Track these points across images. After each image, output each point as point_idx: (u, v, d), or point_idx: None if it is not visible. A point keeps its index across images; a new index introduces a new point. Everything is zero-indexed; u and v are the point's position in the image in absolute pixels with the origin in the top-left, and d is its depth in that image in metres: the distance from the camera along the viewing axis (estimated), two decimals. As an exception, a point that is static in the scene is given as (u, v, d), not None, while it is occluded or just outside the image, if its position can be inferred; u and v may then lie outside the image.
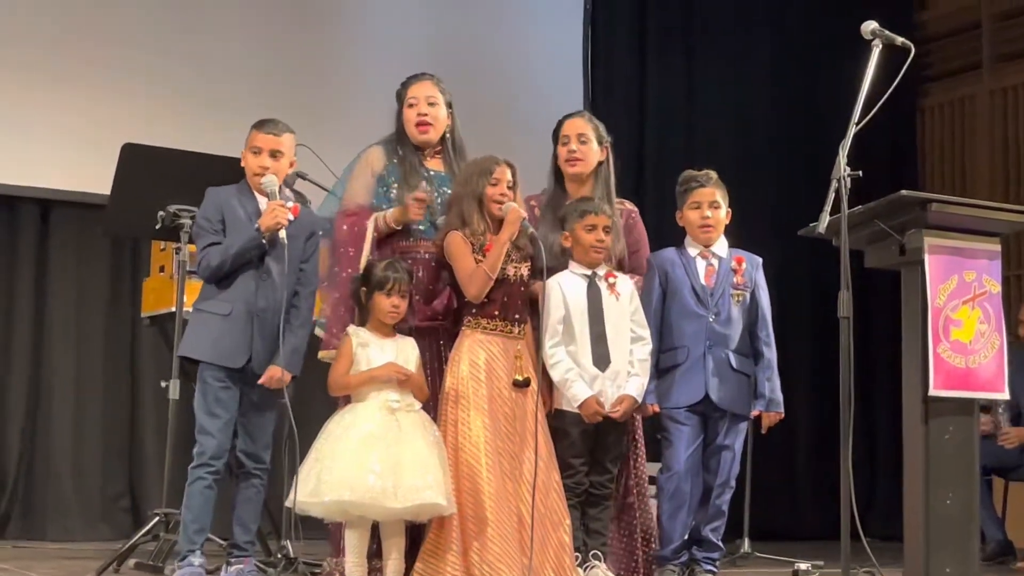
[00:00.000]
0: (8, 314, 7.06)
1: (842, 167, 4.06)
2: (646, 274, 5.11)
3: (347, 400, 4.68)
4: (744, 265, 5.10)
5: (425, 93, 4.95)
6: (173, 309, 5.42)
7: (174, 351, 5.21)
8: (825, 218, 4.05)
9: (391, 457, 4.45)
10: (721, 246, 5.12)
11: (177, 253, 5.43)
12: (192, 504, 4.49)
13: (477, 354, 4.72)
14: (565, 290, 4.85)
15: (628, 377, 4.85)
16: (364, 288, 4.66)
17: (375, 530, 4.62)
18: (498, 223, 4.77)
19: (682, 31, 8.95)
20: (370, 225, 4.83)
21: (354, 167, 4.99)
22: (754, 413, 5.07)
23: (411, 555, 4.61)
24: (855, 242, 4.25)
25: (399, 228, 4.83)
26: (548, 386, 4.83)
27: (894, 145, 9.23)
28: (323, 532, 4.88)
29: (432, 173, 4.96)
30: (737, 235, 5.20)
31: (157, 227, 5.35)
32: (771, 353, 5.09)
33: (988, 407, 6.53)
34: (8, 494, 6.92)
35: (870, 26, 4.30)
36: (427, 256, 4.86)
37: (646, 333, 4.94)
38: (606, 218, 4.90)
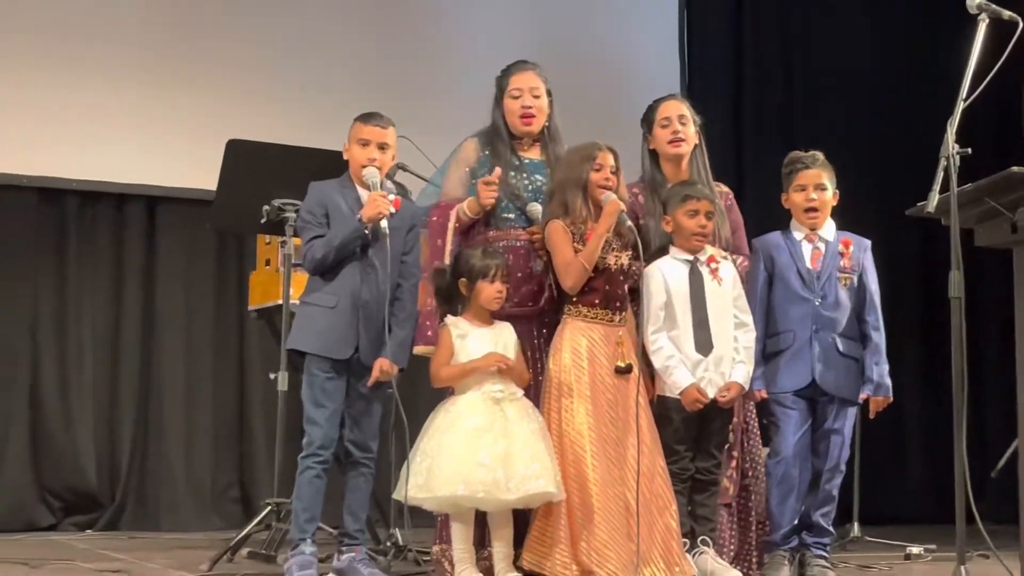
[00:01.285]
0: (118, 309, 7.22)
1: (950, 144, 3.99)
2: (751, 258, 5.07)
3: (451, 390, 4.72)
4: (851, 248, 5.03)
5: (529, 84, 4.95)
6: (279, 302, 5.49)
7: (282, 343, 5.28)
8: (934, 197, 3.98)
9: (500, 448, 4.48)
10: (828, 229, 5.05)
11: (282, 247, 5.51)
12: (302, 494, 4.55)
13: (579, 342, 4.72)
14: (666, 276, 4.82)
15: (733, 364, 4.83)
16: (463, 279, 4.68)
17: (481, 518, 4.66)
18: (601, 210, 4.76)
19: (777, 7, 8.87)
20: (452, 216, 4.87)
21: (450, 161, 5.03)
22: (862, 397, 5.01)
23: (515, 542, 4.64)
24: (965, 221, 4.17)
25: (478, 217, 4.85)
26: (650, 372, 4.82)
27: (1001, 121, 9.04)
28: (430, 520, 4.92)
29: (526, 161, 4.97)
30: (844, 217, 5.13)
31: (262, 221, 5.42)
32: (879, 337, 5.02)
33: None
34: (122, 486, 7.08)
35: (976, 0, 4.22)
36: (517, 244, 4.87)
37: (749, 319, 4.89)
38: (708, 203, 4.86)
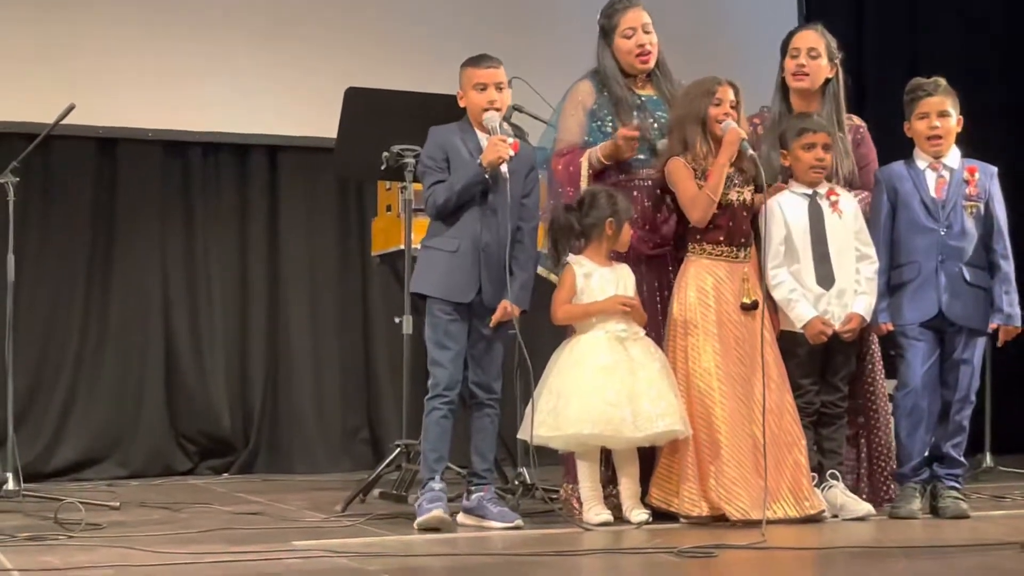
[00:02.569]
0: (244, 258, 7.37)
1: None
2: (874, 189, 5.01)
3: (572, 329, 4.76)
4: (977, 175, 4.94)
5: (641, 21, 4.95)
6: (402, 247, 5.56)
7: (405, 288, 5.35)
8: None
9: (626, 387, 4.54)
10: (952, 157, 4.96)
11: (403, 192, 5.57)
12: (430, 435, 4.63)
13: (704, 280, 4.73)
14: (785, 210, 4.81)
15: (855, 296, 4.80)
16: (610, 218, 4.69)
17: (607, 456, 4.71)
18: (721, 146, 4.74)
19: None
20: (584, 164, 4.88)
21: (565, 104, 5.04)
22: (991, 327, 4.93)
23: (642, 480, 4.69)
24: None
25: (610, 163, 4.86)
26: (774, 308, 4.81)
27: None
28: (556, 459, 4.98)
29: (644, 99, 4.98)
30: (970, 144, 5.03)
31: (382, 168, 5.48)
32: (1008, 266, 4.93)
33: None
34: (255, 430, 7.26)
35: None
36: (649, 183, 4.90)
37: (872, 251, 4.86)
38: (825, 136, 4.81)
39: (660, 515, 4.64)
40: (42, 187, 6.89)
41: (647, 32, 4.95)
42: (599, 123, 4.94)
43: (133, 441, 7.01)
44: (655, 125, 4.92)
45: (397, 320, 5.48)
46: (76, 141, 6.87)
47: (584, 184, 4.85)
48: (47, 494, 5.37)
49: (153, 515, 5.15)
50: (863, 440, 5.00)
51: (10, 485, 5.03)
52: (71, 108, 5.48)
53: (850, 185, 4.99)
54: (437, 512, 4.48)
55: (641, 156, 4.90)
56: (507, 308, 4.59)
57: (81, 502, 4.99)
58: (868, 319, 4.81)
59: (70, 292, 7.01)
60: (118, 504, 5.33)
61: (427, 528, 4.47)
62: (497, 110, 4.64)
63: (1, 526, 4.57)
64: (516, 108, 5.54)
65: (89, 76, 6.80)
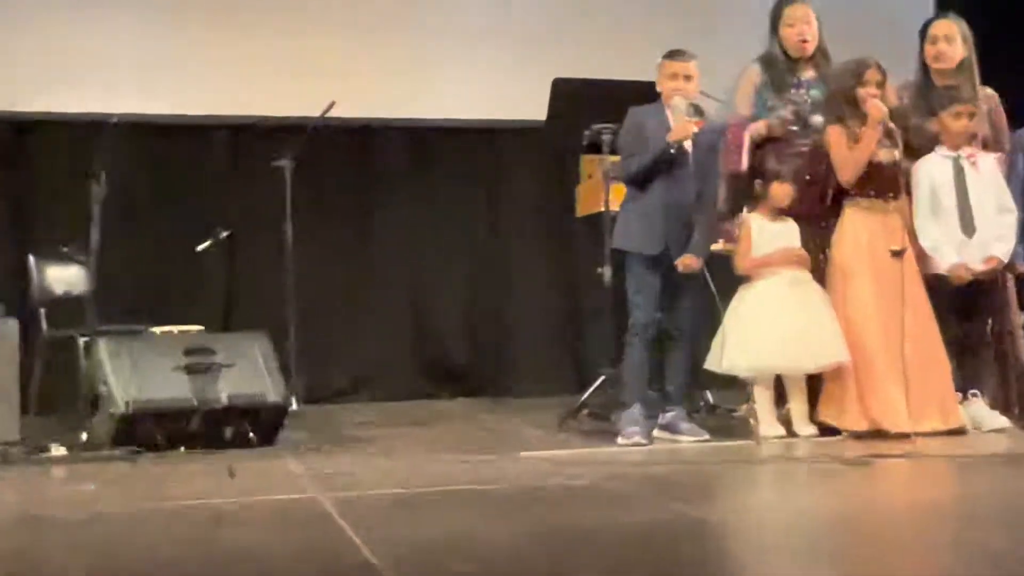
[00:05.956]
0: (472, 221, 7.47)
1: None
2: (1010, 151, 4.86)
3: (750, 276, 4.74)
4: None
5: (801, 14, 4.97)
6: (602, 209, 5.57)
7: (605, 243, 5.37)
8: None
9: (797, 323, 4.57)
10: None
11: (601, 163, 5.57)
12: (630, 365, 4.68)
13: (858, 230, 4.68)
14: (932, 170, 4.73)
15: (994, 242, 4.67)
16: (758, 180, 4.71)
17: (778, 380, 4.68)
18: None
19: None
20: (747, 136, 4.89)
21: (738, 84, 5.06)
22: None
23: (809, 401, 4.66)
24: None
25: (766, 137, 4.87)
26: (921, 254, 4.70)
27: None
28: (731, 383, 4.96)
29: (803, 80, 4.97)
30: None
31: (584, 143, 5.51)
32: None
33: None
34: (484, 362, 7.36)
35: None
36: (805, 150, 4.87)
37: (1010, 203, 4.75)
38: (971, 107, 4.71)
39: (825, 430, 4.60)
40: (310, 170, 7.10)
41: (807, 23, 4.96)
42: (764, 100, 4.97)
43: (389, 370, 7.22)
44: (809, 103, 4.92)
45: (599, 270, 5.50)
46: (335, 132, 7.05)
47: (746, 150, 4.84)
48: (323, 414, 5.58)
49: (407, 431, 5.31)
50: (1000, 363, 4.86)
51: (294, 407, 5.24)
52: (332, 105, 5.64)
53: (987, 148, 4.86)
54: (636, 427, 4.52)
55: (795, 128, 4.90)
56: (689, 261, 4.58)
57: (353, 422, 5.18)
58: (1005, 261, 4.69)
59: (336, 253, 7.22)
60: (376, 422, 5.49)
61: (628, 444, 4.50)
62: (684, 96, 4.64)
63: (289, 439, 4.79)
64: (701, 93, 5.48)
65: (345, 76, 6.96)
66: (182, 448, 4.42)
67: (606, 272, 5.42)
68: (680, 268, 4.60)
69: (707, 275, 4.61)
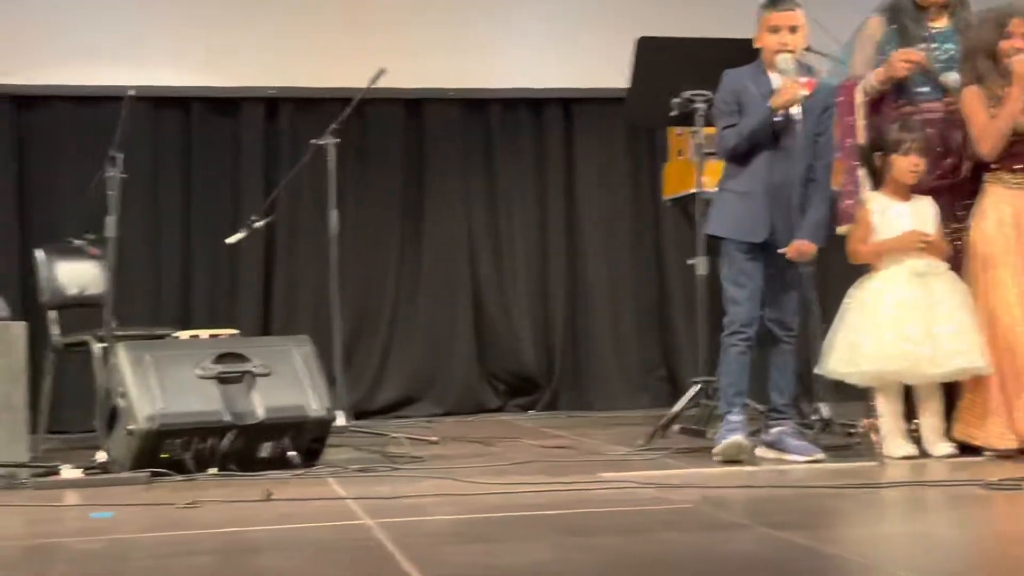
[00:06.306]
0: (542, 206, 7.48)
1: None
2: None
3: (870, 266, 4.65)
4: None
5: None
6: (694, 190, 5.53)
7: (697, 229, 5.32)
8: None
9: (925, 323, 4.45)
10: None
11: (694, 136, 5.52)
12: (728, 370, 4.61)
13: (1002, 209, 4.56)
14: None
15: None
16: (878, 152, 4.61)
17: (908, 391, 4.59)
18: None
19: None
20: (858, 92, 4.78)
21: (855, 39, 4.93)
22: None
23: (946, 414, 4.57)
24: None
25: (885, 88, 4.74)
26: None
27: None
28: (853, 394, 4.88)
29: (934, 31, 4.81)
30: None
31: (672, 114, 5.46)
32: None
33: None
34: (558, 369, 7.38)
35: None
36: (936, 116, 4.74)
37: None
38: None
39: (964, 449, 4.51)
40: (357, 147, 7.15)
41: (940, -36, 4.78)
42: (883, 56, 4.80)
43: (447, 380, 7.24)
44: (942, 57, 4.76)
45: (691, 261, 5.46)
46: (385, 103, 7.09)
47: (859, 112, 4.73)
48: (373, 430, 5.61)
49: (469, 449, 5.32)
50: None
51: (340, 421, 5.25)
52: (382, 72, 5.66)
53: None
54: (736, 437, 4.47)
55: (925, 88, 4.76)
56: (802, 247, 4.51)
57: (406, 437, 5.21)
58: None
59: (386, 243, 7.27)
60: (437, 439, 5.52)
61: (727, 456, 4.47)
62: (791, 52, 4.53)
63: (335, 459, 4.81)
64: (808, 49, 5.40)
65: (396, 41, 6.99)
66: (212, 469, 4.44)
67: (699, 263, 5.38)
68: (791, 256, 4.52)
69: (808, 264, 4.54)
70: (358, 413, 6.31)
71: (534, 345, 7.36)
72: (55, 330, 5.77)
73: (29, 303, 6.11)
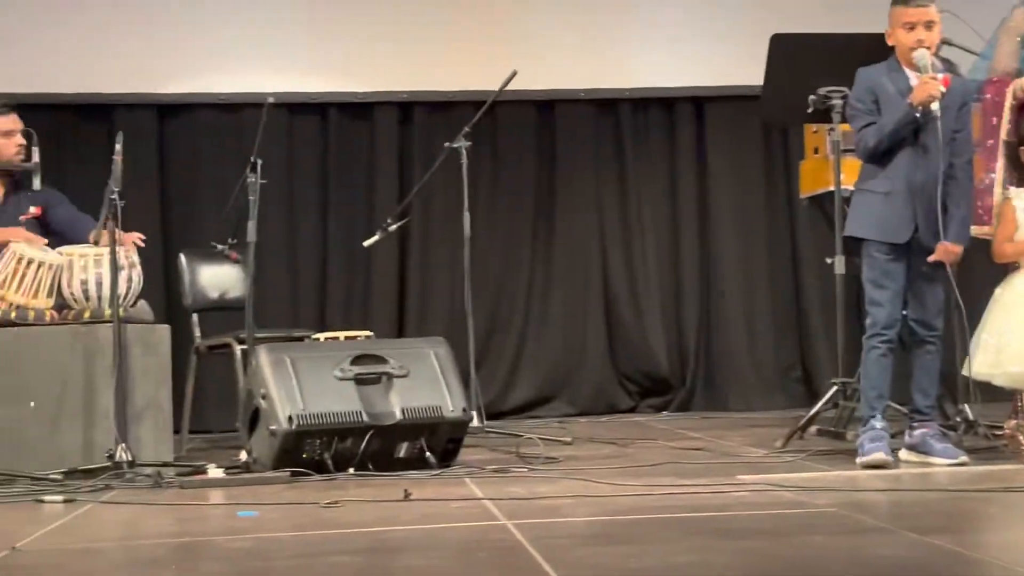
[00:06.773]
0: (674, 206, 7.45)
1: None
2: None
3: (1014, 265, 4.56)
4: None
5: None
6: (831, 188, 5.45)
7: (836, 229, 5.26)
8: None
9: None
10: None
11: (830, 134, 5.45)
12: (869, 372, 4.54)
13: None
14: None
15: None
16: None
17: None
18: None
19: None
20: (1008, 92, 4.69)
21: (999, 32, 4.84)
22: None
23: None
24: None
25: None
26: None
27: None
28: (998, 396, 4.78)
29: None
30: None
31: (808, 111, 5.39)
32: None
33: None
34: (691, 370, 7.35)
35: None
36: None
37: None
38: None
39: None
40: (490, 149, 7.20)
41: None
42: (1030, 51, 4.69)
43: (579, 381, 7.26)
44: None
45: (829, 261, 5.39)
46: (517, 105, 7.13)
47: (1006, 114, 4.62)
48: (507, 430, 5.65)
49: (603, 450, 5.32)
50: None
51: (475, 422, 5.30)
52: (514, 75, 5.70)
53: None
54: (879, 454, 4.40)
55: None
56: (949, 248, 4.42)
57: (539, 438, 5.24)
58: None
59: (518, 244, 7.31)
60: (571, 439, 5.54)
61: (870, 466, 4.39)
62: (927, 48, 4.46)
63: (470, 459, 4.85)
64: (945, 42, 5.30)
65: (526, 44, 7.03)
66: (350, 469, 4.52)
67: (837, 263, 5.31)
68: (939, 258, 4.44)
69: (948, 265, 4.46)
70: (490, 413, 6.36)
71: (667, 345, 7.33)
72: (197, 333, 5.93)
73: (173, 307, 6.30)
